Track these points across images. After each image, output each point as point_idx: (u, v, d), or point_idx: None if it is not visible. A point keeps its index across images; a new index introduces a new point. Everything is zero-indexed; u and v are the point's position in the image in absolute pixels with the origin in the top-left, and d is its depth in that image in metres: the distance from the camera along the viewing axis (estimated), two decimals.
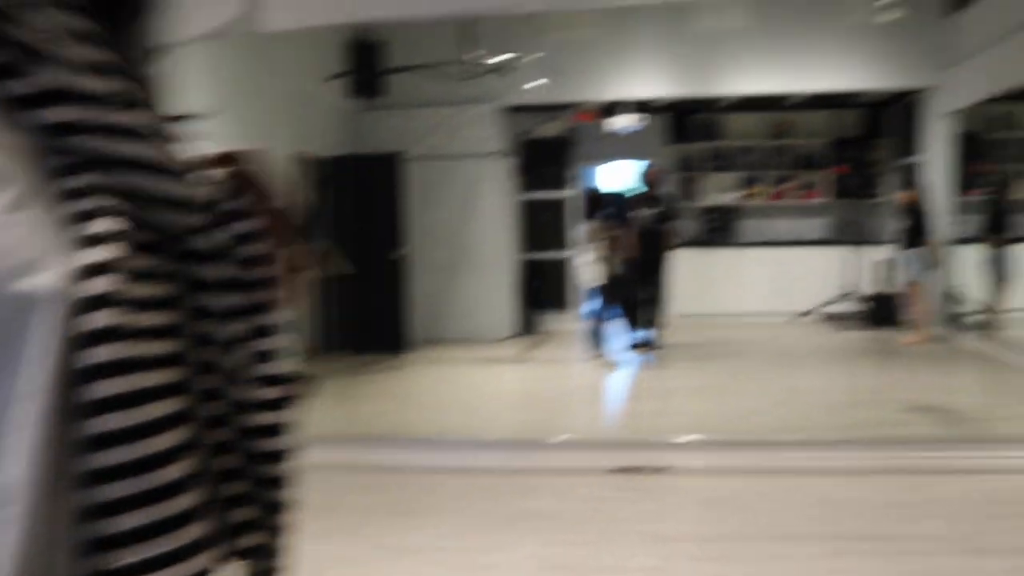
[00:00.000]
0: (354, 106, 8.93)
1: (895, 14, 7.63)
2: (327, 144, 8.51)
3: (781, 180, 10.52)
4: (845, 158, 10.12)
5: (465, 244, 9.03)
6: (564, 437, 4.74)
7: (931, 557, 3.15)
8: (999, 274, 7.80)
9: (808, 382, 6.68)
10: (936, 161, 8.73)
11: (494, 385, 7.02)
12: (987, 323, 7.94)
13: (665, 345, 8.04)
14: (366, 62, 8.43)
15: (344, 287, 8.39)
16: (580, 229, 7.55)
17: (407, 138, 8.78)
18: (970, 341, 7.92)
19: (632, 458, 4.37)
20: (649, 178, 8.07)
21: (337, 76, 8.27)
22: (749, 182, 10.56)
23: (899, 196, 8.48)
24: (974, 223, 8.23)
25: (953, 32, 8.45)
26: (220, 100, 6.43)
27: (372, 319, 8.31)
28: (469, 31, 7.75)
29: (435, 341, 8.75)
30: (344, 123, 8.88)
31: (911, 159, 9.38)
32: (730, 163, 10.57)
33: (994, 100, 7.88)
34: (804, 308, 9.80)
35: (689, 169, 10.56)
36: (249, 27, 4.65)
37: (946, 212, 8.37)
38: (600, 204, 7.53)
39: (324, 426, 5.40)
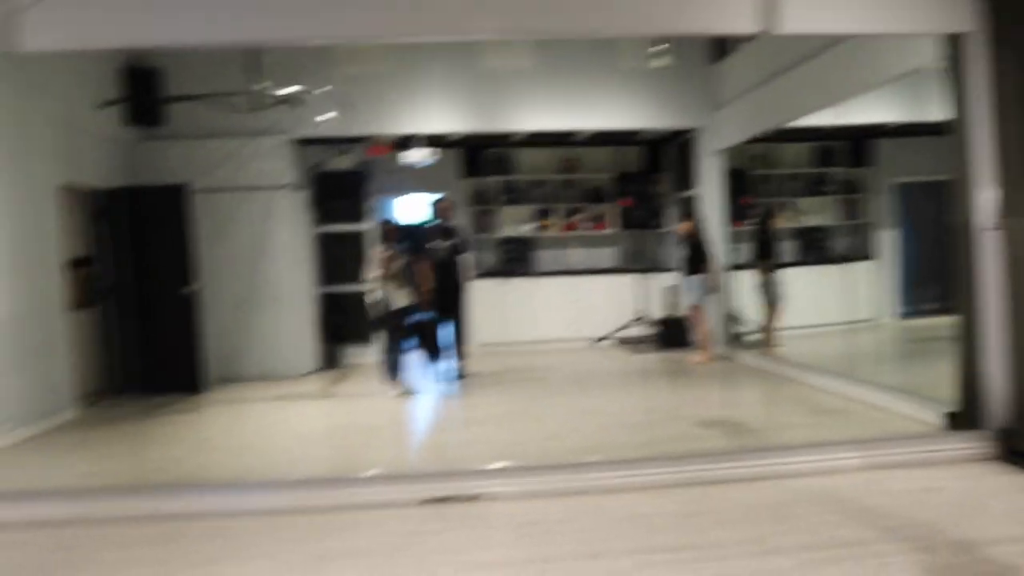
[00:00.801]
0: (132, 135, 8.42)
1: (664, 61, 8.23)
2: (103, 175, 7.95)
3: (572, 212, 10.96)
4: (630, 191, 10.70)
5: (260, 278, 8.71)
6: (372, 471, 4.63)
7: (727, 561, 3.34)
8: (770, 297, 8.48)
9: (607, 404, 6.93)
10: (710, 194, 9.42)
11: (297, 423, 6.76)
12: (763, 342, 8.61)
13: (467, 374, 8.09)
14: (144, 89, 7.99)
15: (133, 325, 7.85)
16: (369, 259, 7.45)
17: (192, 169, 8.39)
18: (750, 359, 8.54)
19: (442, 488, 4.35)
20: (441, 211, 8.17)
21: (111, 103, 7.77)
22: (542, 214, 10.92)
23: (679, 226, 9.05)
24: (746, 251, 8.93)
25: (716, 79, 9.22)
26: None
27: (163, 359, 7.82)
28: (254, 61, 7.51)
29: (233, 380, 8.38)
30: (121, 153, 8.34)
31: (689, 192, 10.06)
32: (523, 196, 10.89)
33: (755, 140, 8.64)
34: (599, 333, 10.21)
35: (483, 202, 10.77)
36: (5, 47, 4.27)
37: (721, 241, 9.03)
38: (390, 235, 7.49)
39: (111, 476, 5.00)
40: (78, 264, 7.49)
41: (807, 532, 3.63)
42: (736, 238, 9.13)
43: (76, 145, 7.37)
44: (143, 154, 8.52)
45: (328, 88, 7.96)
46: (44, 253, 6.74)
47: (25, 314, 6.31)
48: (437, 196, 8.45)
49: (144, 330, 7.87)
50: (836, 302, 7.78)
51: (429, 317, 7.84)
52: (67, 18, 4.32)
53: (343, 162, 9.67)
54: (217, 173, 8.61)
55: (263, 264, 8.75)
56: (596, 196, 10.98)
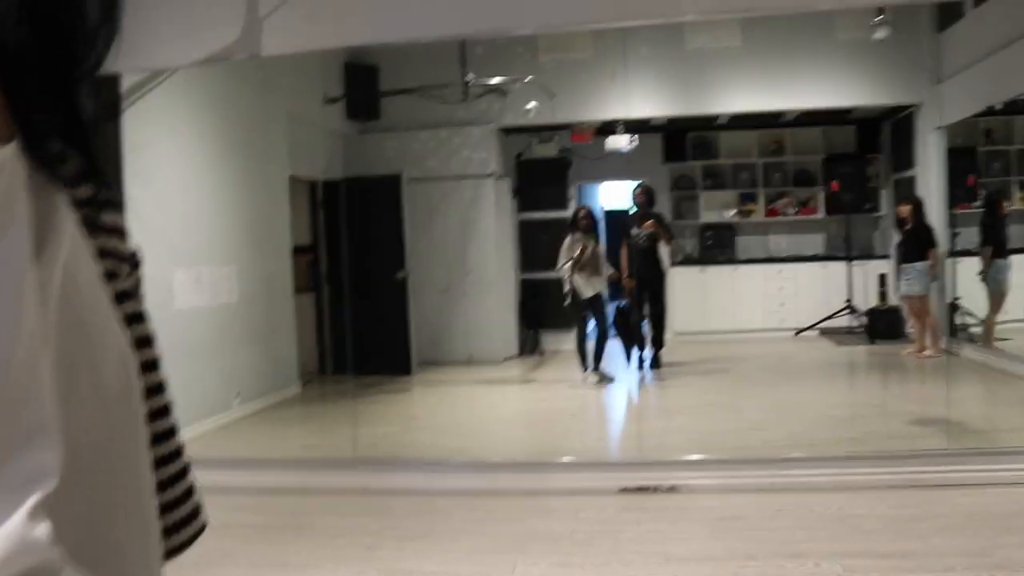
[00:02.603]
0: (351, 128, 8.96)
1: (887, 31, 7.72)
2: (326, 167, 8.53)
3: (776, 197, 10.56)
4: (839, 174, 10.15)
5: (465, 265, 9.03)
6: (571, 458, 4.71)
7: (950, 572, 3.13)
8: (996, 286, 7.81)
9: (811, 396, 6.66)
10: (930, 175, 8.77)
11: (498, 406, 6.99)
12: (987, 335, 7.95)
13: (666, 363, 8.03)
14: (362, 85, 8.47)
15: (348, 308, 8.40)
16: (563, 246, 7.47)
17: (405, 160, 8.80)
18: (973, 353, 7.92)
19: (640, 478, 4.35)
20: (639, 197, 8.11)
21: (334, 100, 8.30)
22: (745, 199, 10.60)
23: (898, 210, 8.49)
24: (970, 236, 8.26)
25: (941, 49, 8.54)
26: (217, 124, 6.45)
27: (375, 341, 8.29)
28: (463, 53, 7.78)
29: (437, 362, 8.74)
30: (342, 146, 8.90)
31: (906, 173, 9.43)
32: (725, 180, 10.61)
33: (984, 114, 7.96)
34: (803, 324, 9.80)
35: (685, 187, 10.60)
36: (248, 51, 4.67)
37: (942, 225, 8.41)
38: (582, 222, 7.48)
39: (329, 449, 5.38)
40: (301, 251, 8.09)
41: None
42: (959, 222, 8.47)
43: (303, 139, 7.96)
44: (361, 146, 9.04)
45: (532, 77, 8.12)
46: (277, 239, 7.35)
47: (260, 295, 6.92)
48: (636, 183, 8.41)
49: (358, 313, 8.38)
50: None
51: (628, 305, 7.84)
52: (299, 22, 4.67)
53: (547, 149, 9.82)
54: (428, 163, 8.99)
55: (468, 250, 9.06)
56: (803, 179, 10.52)
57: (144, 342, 0.67)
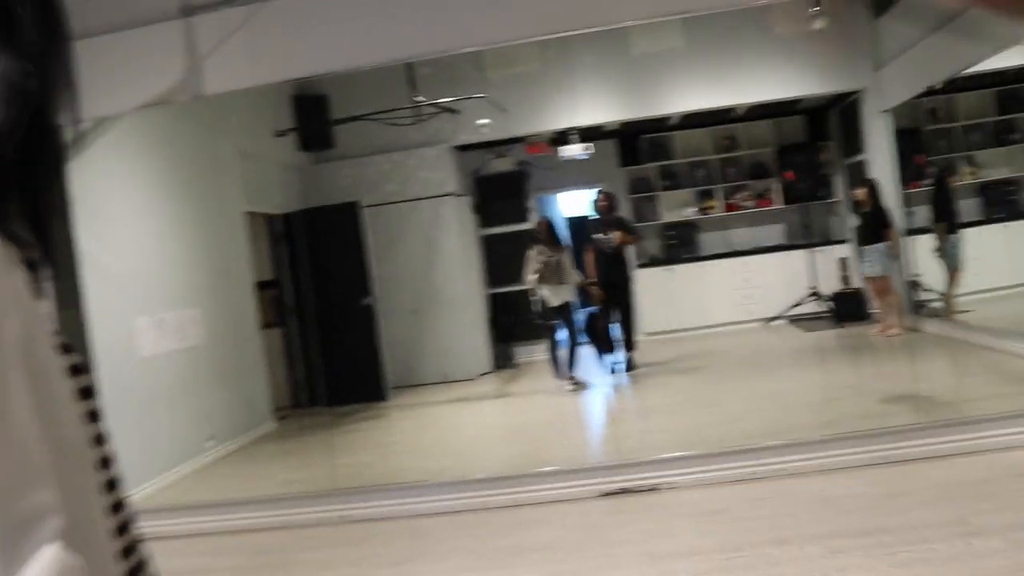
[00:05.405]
0: (305, 160, 8.94)
1: (825, 22, 7.86)
2: (283, 200, 8.49)
3: (733, 191, 10.68)
4: (792, 163, 10.29)
5: (432, 285, 9.03)
6: (552, 467, 4.71)
7: (928, 544, 3.17)
8: (952, 260, 7.95)
9: (785, 384, 6.73)
10: (879, 158, 8.93)
11: (476, 423, 6.98)
12: (948, 308, 8.08)
13: (639, 364, 8.07)
14: (312, 115, 8.46)
15: (317, 340, 8.35)
16: (527, 258, 7.52)
17: (362, 186, 8.79)
18: (935, 327, 8.05)
19: (622, 480, 4.37)
20: (601, 203, 8.16)
21: (285, 132, 8.28)
22: (703, 196, 10.70)
23: (855, 194, 8.62)
24: (922, 214, 8.41)
25: (879, 35, 8.72)
26: (168, 167, 6.40)
27: (347, 370, 8.26)
28: (411, 76, 7.80)
29: (411, 385, 8.71)
30: (298, 178, 8.88)
31: (857, 158, 9.58)
32: (682, 180, 10.71)
33: (926, 94, 8.13)
34: (771, 313, 9.91)
35: (643, 190, 10.68)
36: (191, 93, 4.65)
37: (897, 205, 8.55)
38: (544, 232, 7.54)
39: (308, 483, 5.34)
40: (264, 286, 8.04)
41: (1016, 510, 3.39)
42: (911, 201, 8.62)
43: (257, 174, 7.92)
44: (316, 176, 9.02)
45: (483, 94, 8.16)
46: (239, 277, 7.30)
47: (226, 334, 6.86)
48: (597, 189, 8.47)
49: (327, 344, 8.34)
50: None
51: (596, 310, 7.88)
52: (240, 59, 4.66)
53: (503, 164, 9.86)
54: (385, 187, 8.99)
55: (434, 270, 9.06)
56: (758, 172, 10.65)
57: (86, 392, 0.68)
